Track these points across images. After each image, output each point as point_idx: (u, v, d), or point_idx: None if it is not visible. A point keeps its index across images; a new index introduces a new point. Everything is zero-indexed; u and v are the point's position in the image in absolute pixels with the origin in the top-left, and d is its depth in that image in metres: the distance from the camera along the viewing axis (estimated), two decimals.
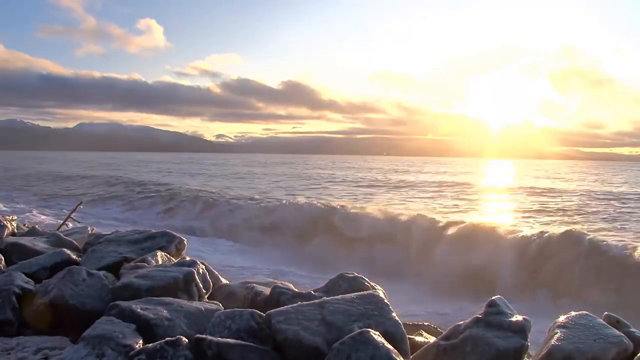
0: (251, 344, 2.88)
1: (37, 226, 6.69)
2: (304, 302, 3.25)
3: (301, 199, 22.70)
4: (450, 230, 14.21)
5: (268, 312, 3.11)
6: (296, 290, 3.98)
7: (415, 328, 4.26)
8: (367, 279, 4.12)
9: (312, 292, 3.95)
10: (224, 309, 3.48)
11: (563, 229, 13.52)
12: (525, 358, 2.96)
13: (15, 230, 6.09)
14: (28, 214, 18.98)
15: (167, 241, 4.96)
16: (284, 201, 21.22)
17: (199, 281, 3.99)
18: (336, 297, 3.31)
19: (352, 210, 17.85)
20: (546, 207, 21.96)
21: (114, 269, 4.34)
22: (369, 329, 2.73)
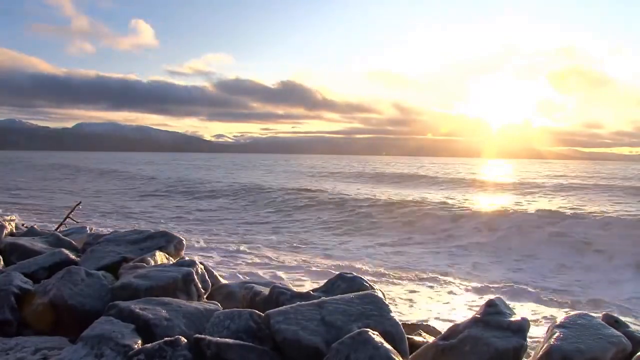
0: (250, 344, 2.88)
1: (35, 226, 6.69)
2: (303, 302, 3.25)
3: None
4: None
5: (267, 312, 3.11)
6: (295, 290, 3.98)
7: (415, 328, 4.25)
8: (365, 279, 4.12)
9: (311, 292, 3.95)
10: (223, 309, 3.48)
11: None
12: (524, 358, 2.96)
13: (14, 230, 6.09)
14: None
15: (166, 241, 4.96)
16: None
17: (197, 281, 4.00)
18: (335, 297, 3.31)
19: None
20: None
21: (113, 269, 4.34)
22: (368, 329, 2.73)
